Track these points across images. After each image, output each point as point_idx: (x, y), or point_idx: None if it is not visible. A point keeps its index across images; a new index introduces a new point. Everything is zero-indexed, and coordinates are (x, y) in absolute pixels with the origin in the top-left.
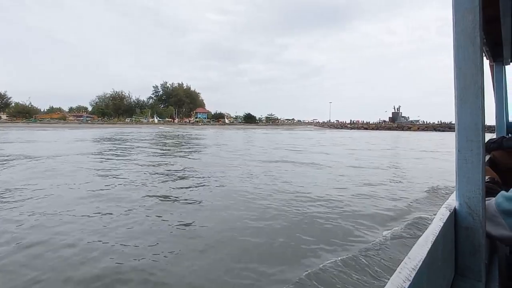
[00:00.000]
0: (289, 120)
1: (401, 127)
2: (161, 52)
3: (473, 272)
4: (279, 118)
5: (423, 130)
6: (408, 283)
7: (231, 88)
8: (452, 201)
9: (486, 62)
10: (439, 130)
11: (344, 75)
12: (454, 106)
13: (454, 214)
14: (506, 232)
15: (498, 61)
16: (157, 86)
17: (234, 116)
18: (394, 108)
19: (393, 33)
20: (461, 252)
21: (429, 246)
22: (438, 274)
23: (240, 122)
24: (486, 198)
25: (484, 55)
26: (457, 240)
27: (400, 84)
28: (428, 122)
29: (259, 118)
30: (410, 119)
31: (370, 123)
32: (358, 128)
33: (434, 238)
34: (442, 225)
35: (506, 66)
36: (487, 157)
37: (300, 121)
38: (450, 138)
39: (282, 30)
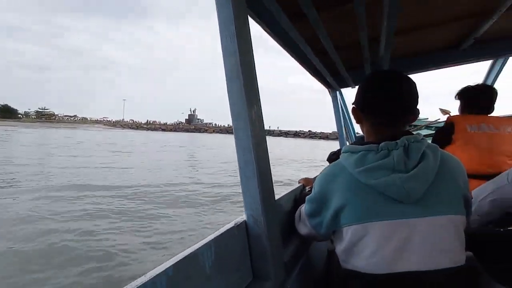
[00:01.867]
0: (71, 117)
1: (198, 129)
2: None
3: (263, 273)
4: (56, 114)
5: (218, 132)
6: None
7: None
8: (244, 215)
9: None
10: (231, 133)
11: (140, 73)
12: (233, 132)
13: (245, 226)
14: (311, 231)
15: (332, 88)
16: None
17: None
18: (190, 110)
19: (189, 40)
20: (254, 258)
21: (175, 261)
22: (225, 280)
23: None
24: (302, 205)
25: (321, 82)
26: (250, 247)
27: (195, 88)
28: (220, 125)
29: (24, 112)
30: (205, 121)
31: (168, 124)
32: (155, 129)
33: (192, 251)
34: (214, 237)
35: (342, 90)
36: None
37: (86, 118)
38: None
39: (65, 7)
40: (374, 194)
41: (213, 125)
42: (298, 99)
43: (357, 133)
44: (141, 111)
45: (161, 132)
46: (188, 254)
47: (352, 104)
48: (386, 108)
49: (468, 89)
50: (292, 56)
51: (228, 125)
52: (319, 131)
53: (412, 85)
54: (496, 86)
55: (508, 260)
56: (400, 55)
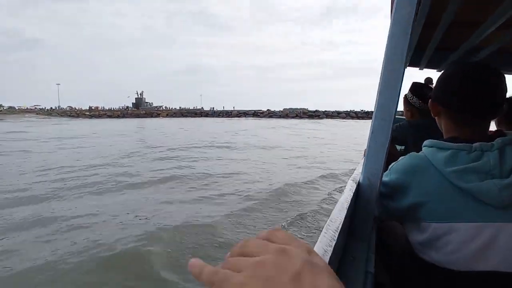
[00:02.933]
0: None
1: (150, 114)
2: None
3: (362, 235)
4: None
5: (172, 116)
6: (334, 242)
7: None
8: (358, 175)
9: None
10: (186, 116)
11: (70, 54)
12: (377, 91)
13: (358, 186)
14: (379, 209)
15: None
16: None
17: None
18: (137, 93)
19: (122, 15)
20: (357, 218)
21: (345, 212)
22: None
23: None
24: None
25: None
26: (356, 207)
27: (140, 70)
28: (172, 107)
29: None
30: (154, 104)
31: (115, 109)
32: (100, 116)
33: (347, 205)
34: (352, 194)
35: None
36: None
37: (14, 107)
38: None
39: None
40: (462, 195)
41: (163, 108)
42: (240, 76)
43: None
44: (80, 97)
45: (107, 119)
46: (348, 209)
47: (428, 96)
48: (479, 103)
49: None
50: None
51: (180, 107)
52: (278, 110)
53: (504, 79)
54: None
55: None
56: (499, 50)
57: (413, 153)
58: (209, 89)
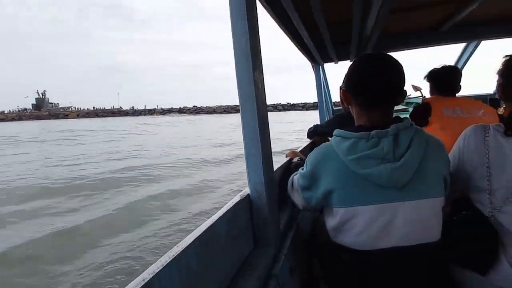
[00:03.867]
0: None
1: (55, 115)
2: None
3: (265, 241)
4: None
5: (84, 116)
6: (161, 267)
7: None
8: (247, 189)
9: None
10: (102, 116)
11: None
12: (240, 112)
13: (249, 199)
14: (303, 202)
15: (316, 63)
16: None
17: None
18: (38, 93)
19: (27, 6)
20: (256, 228)
21: (200, 232)
22: (232, 248)
23: None
24: (295, 173)
25: (306, 56)
26: (253, 218)
27: (42, 68)
28: (82, 108)
29: None
30: (61, 105)
31: (10, 112)
32: None
33: (212, 223)
34: (226, 210)
35: (324, 65)
36: (309, 141)
37: None
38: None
39: None
40: (363, 181)
41: (72, 108)
42: (167, 75)
43: (334, 102)
44: None
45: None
46: (207, 228)
47: (340, 87)
48: (377, 90)
49: (437, 71)
50: (283, 31)
51: (94, 107)
52: (205, 106)
53: (400, 68)
54: (467, 67)
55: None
56: (384, 34)
57: (323, 143)
58: (131, 88)
